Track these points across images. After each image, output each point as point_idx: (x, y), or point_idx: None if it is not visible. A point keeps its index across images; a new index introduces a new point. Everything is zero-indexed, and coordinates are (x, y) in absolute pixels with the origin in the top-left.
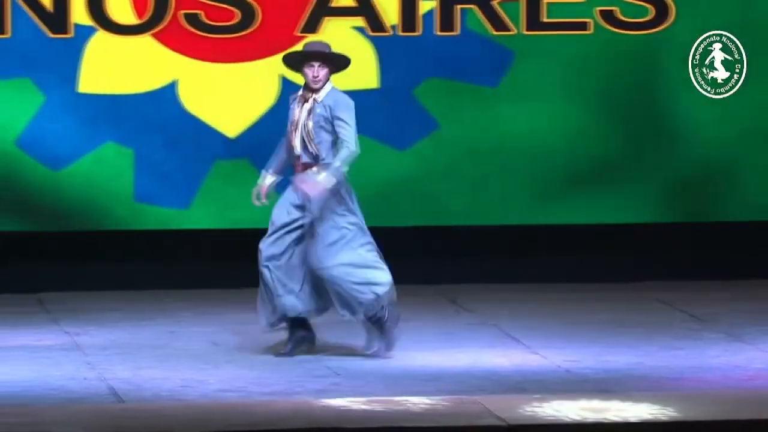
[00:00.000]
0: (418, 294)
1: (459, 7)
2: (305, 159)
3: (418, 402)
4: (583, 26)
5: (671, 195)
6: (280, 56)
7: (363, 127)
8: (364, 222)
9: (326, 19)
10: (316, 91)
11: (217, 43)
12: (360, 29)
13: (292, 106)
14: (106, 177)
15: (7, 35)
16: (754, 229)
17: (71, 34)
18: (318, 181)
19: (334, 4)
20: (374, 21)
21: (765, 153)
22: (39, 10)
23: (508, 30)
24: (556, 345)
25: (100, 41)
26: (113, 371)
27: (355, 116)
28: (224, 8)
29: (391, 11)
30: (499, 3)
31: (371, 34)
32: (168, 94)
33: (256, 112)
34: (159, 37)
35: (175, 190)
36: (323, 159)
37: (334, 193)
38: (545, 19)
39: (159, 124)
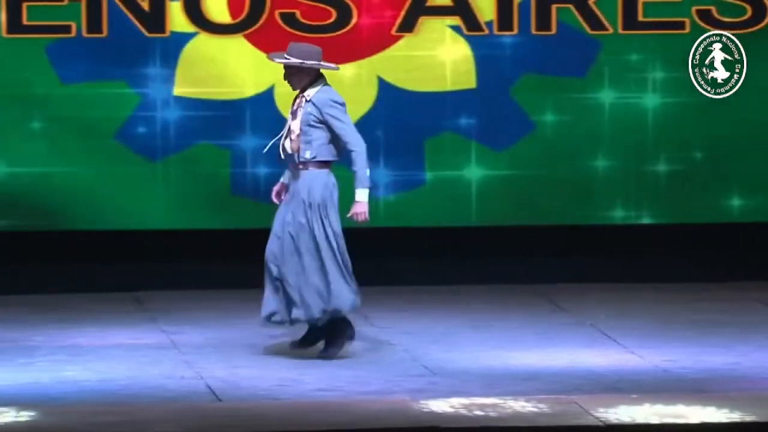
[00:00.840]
0: (516, 293)
1: (555, 6)
2: (288, 155)
3: (514, 402)
4: (680, 25)
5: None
6: (377, 57)
7: (461, 127)
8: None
9: (422, 18)
10: (304, 90)
11: (313, 42)
12: (456, 28)
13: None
14: (202, 176)
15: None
16: None
17: (167, 35)
18: (362, 202)
19: (430, 4)
20: (470, 20)
21: None
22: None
23: (604, 29)
24: (652, 345)
25: (197, 42)
26: (210, 370)
27: (346, 111)
28: (320, 7)
29: (486, 9)
30: (594, 2)
31: (467, 33)
32: (266, 97)
33: (354, 114)
34: (252, 39)
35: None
36: (312, 157)
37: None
38: (641, 18)
39: (256, 126)
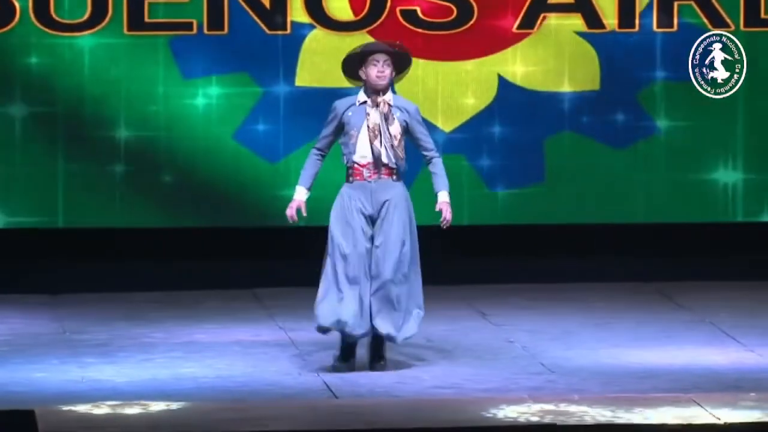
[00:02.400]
0: (636, 291)
1: (677, 3)
2: (384, 164)
3: (632, 400)
4: None
5: None
6: (497, 55)
7: (583, 128)
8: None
9: (543, 15)
10: (381, 92)
11: (434, 39)
12: (580, 33)
13: (352, 114)
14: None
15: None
16: None
17: (288, 31)
18: (449, 203)
19: (551, 1)
20: (592, 18)
21: None
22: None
23: (726, 26)
24: None
25: (317, 38)
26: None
27: None
28: (441, 4)
29: (608, 8)
30: None
31: (588, 31)
32: None
33: (473, 110)
34: (375, 35)
35: None
36: (399, 165)
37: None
38: (765, 15)
39: None
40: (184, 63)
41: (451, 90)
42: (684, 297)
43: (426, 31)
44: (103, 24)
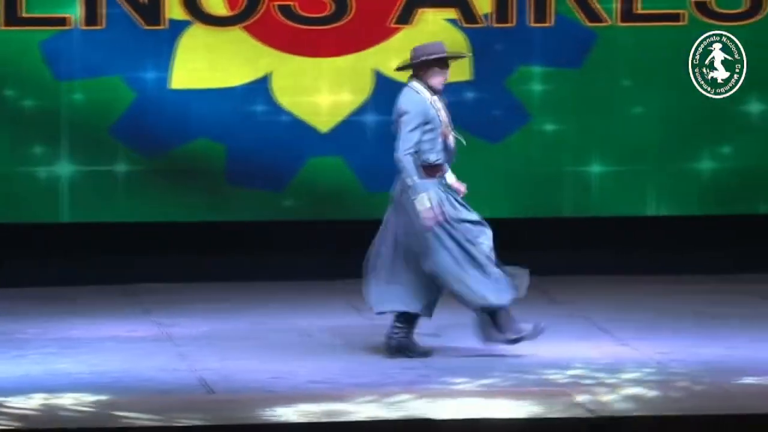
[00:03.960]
0: None
1: None
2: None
3: (506, 392)
4: (677, 17)
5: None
6: (373, 49)
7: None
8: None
9: (420, 10)
10: (439, 92)
11: (310, 35)
12: (453, 21)
13: (434, 112)
14: (197, 170)
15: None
16: None
17: (165, 26)
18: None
19: None
20: (468, 12)
21: None
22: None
23: (602, 21)
24: (647, 337)
25: (194, 34)
26: (204, 362)
27: None
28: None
29: (483, 2)
30: None
31: (465, 25)
32: (262, 87)
33: (350, 105)
34: (251, 30)
35: (267, 182)
36: None
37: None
38: (639, 11)
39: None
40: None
41: (329, 86)
42: (558, 291)
43: (302, 26)
44: None
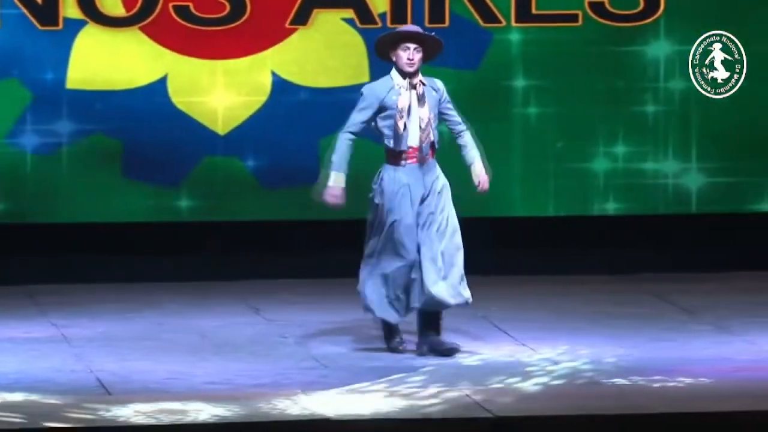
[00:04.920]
0: None
1: None
2: (424, 147)
3: (405, 393)
4: (573, 18)
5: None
6: (270, 51)
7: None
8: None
9: (316, 11)
10: (413, 75)
11: (211, 36)
12: (350, 21)
13: (384, 95)
14: (93, 169)
15: None
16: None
17: (60, 27)
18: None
19: None
20: (364, 12)
21: None
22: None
23: (498, 22)
24: (545, 337)
25: (89, 34)
26: (101, 363)
27: None
28: (214, 0)
29: (379, 1)
30: None
31: (360, 26)
32: (159, 88)
33: (248, 109)
34: (147, 31)
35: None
36: (436, 144)
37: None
38: (535, 11)
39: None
40: None
41: (227, 88)
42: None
43: (200, 27)
44: None
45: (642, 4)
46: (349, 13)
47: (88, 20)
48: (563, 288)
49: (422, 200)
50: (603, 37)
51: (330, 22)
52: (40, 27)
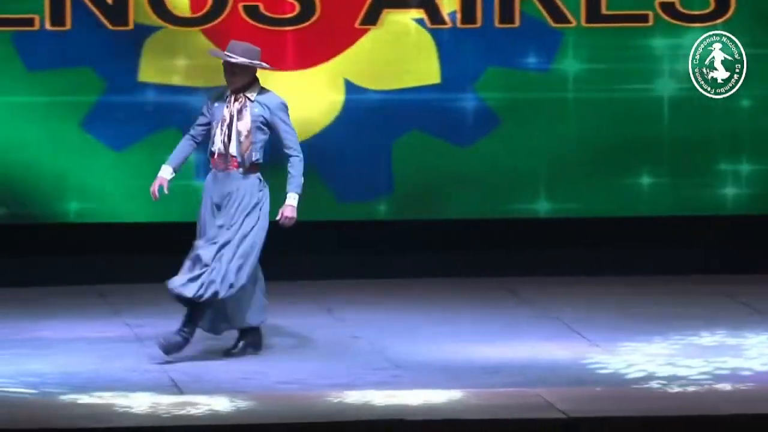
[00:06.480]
0: (480, 286)
1: None
2: (232, 156)
3: (478, 395)
4: (643, 18)
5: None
6: (343, 55)
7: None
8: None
9: (386, 11)
10: (242, 90)
11: (279, 36)
12: (420, 21)
13: (215, 103)
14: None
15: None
16: None
17: (131, 27)
18: (294, 206)
19: None
20: (433, 12)
21: None
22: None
23: (568, 22)
24: (618, 337)
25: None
26: (174, 363)
27: None
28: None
29: (449, 1)
30: None
31: (430, 26)
32: None
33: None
34: (217, 31)
35: None
36: (256, 159)
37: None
38: (605, 11)
39: None
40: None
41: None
42: (528, 292)
43: (269, 27)
44: None
45: (713, 5)
46: (419, 14)
47: (158, 21)
48: (634, 288)
49: (219, 207)
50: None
51: (400, 23)
52: (111, 27)
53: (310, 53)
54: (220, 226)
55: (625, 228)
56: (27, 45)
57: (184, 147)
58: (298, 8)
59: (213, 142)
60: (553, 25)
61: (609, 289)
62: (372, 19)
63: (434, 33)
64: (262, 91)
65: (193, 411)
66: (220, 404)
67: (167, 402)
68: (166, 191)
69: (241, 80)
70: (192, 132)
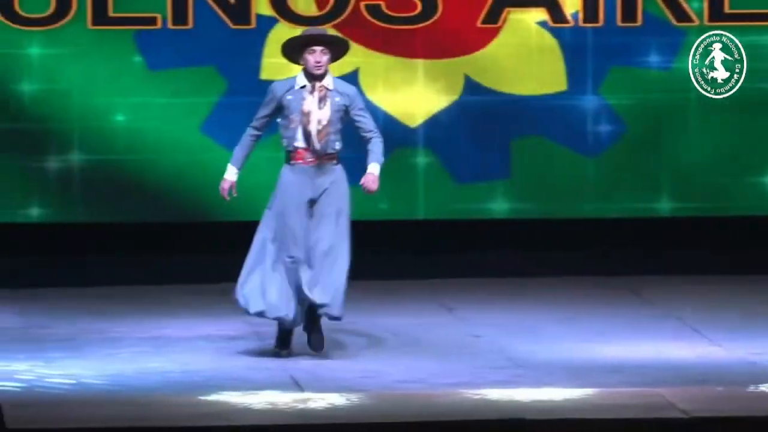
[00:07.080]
0: (602, 286)
1: None
2: (318, 150)
3: (600, 394)
4: (766, 17)
5: None
6: (463, 56)
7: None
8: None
9: (507, 10)
10: (320, 78)
11: (400, 34)
12: (543, 23)
13: (293, 97)
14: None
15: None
16: None
17: (253, 25)
18: (377, 175)
19: None
20: (556, 12)
21: None
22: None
23: (691, 21)
24: (739, 337)
25: (282, 32)
26: (295, 361)
27: None
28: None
29: (571, 1)
30: None
31: (552, 25)
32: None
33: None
34: (340, 29)
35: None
36: (340, 147)
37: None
38: (728, 10)
39: None
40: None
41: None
42: (650, 291)
43: (390, 26)
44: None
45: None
46: (542, 13)
47: (279, 19)
48: (756, 288)
49: (312, 202)
50: None
51: (523, 25)
52: (232, 26)
53: (433, 50)
54: (322, 216)
55: (747, 227)
56: (149, 44)
57: (248, 144)
58: (419, 7)
59: (294, 138)
60: (676, 24)
61: (731, 288)
62: (494, 18)
63: (557, 34)
64: (339, 80)
65: (313, 408)
66: (341, 402)
67: (288, 400)
68: (234, 193)
69: (327, 64)
70: (255, 124)
